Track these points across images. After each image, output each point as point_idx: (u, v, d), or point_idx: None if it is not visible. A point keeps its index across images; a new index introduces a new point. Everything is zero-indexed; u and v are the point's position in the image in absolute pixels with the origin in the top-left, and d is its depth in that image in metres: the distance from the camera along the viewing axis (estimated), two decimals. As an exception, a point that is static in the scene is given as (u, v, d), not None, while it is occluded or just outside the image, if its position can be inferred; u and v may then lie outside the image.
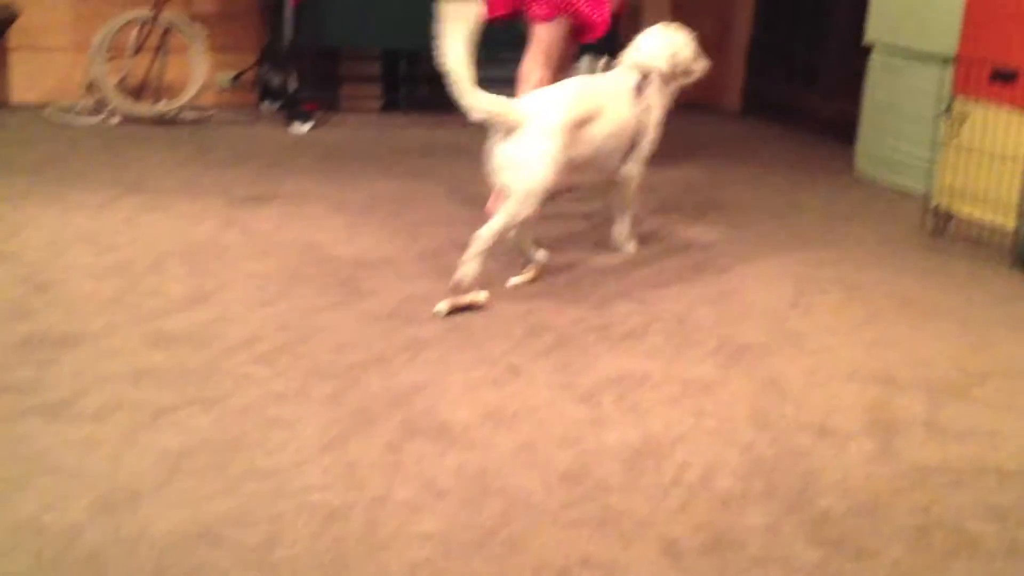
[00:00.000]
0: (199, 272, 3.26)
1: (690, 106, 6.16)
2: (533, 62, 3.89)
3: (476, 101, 3.12)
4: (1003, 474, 2.35)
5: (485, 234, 3.13)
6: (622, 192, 3.63)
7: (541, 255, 3.42)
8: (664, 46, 3.58)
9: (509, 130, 3.16)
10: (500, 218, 3.16)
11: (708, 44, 3.88)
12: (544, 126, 3.15)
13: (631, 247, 3.71)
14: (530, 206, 3.17)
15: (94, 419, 2.34)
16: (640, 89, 3.50)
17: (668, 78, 3.58)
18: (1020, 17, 4.03)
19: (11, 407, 2.37)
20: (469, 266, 3.13)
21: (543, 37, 3.87)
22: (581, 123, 3.26)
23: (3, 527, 1.93)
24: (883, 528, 2.12)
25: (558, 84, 3.41)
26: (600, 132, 3.34)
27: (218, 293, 3.11)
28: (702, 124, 5.85)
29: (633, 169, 3.57)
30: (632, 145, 3.52)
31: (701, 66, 3.66)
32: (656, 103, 3.57)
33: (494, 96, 3.15)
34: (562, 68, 3.96)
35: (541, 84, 3.74)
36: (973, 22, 4.22)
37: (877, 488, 2.26)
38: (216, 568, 1.85)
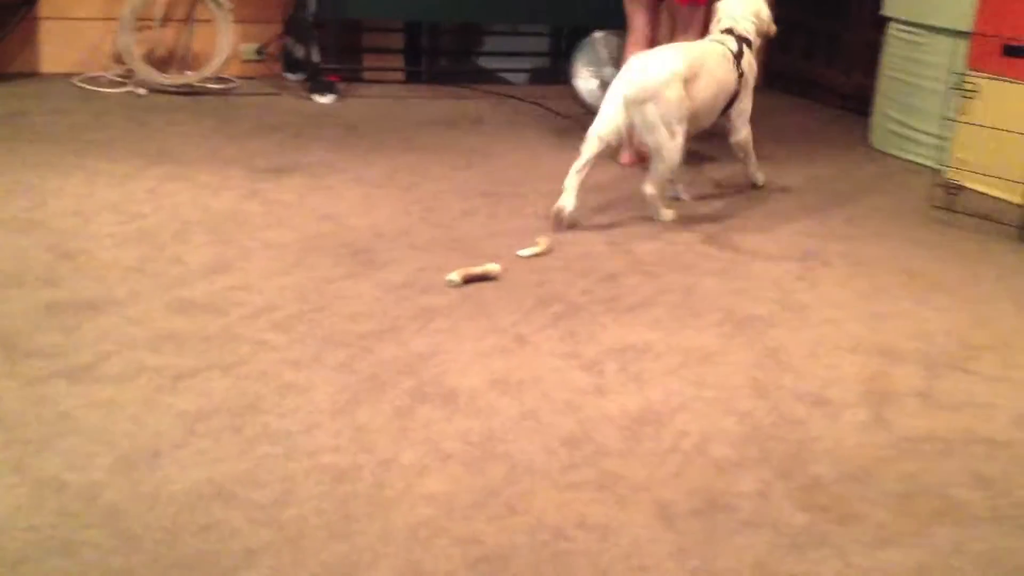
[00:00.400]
0: (220, 241, 3.37)
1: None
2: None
3: None
4: (993, 444, 2.41)
5: (651, 187, 3.75)
6: (742, 146, 4.13)
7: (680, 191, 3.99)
8: (748, 11, 3.99)
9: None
10: (661, 167, 3.73)
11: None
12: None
13: (760, 177, 4.24)
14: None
15: (116, 382, 2.44)
16: (737, 53, 3.90)
17: (754, 39, 3.99)
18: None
19: (37, 371, 2.48)
20: (663, 212, 3.78)
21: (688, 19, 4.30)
22: (689, 79, 3.68)
23: (28, 484, 2.04)
24: (870, 494, 2.19)
25: (667, 47, 3.82)
26: (702, 90, 3.74)
27: (238, 262, 3.21)
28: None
29: (743, 130, 4.05)
30: (730, 103, 3.94)
31: (774, 28, 4.11)
32: (749, 63, 3.97)
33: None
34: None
35: None
36: (988, -3, 4.24)
37: (867, 456, 2.33)
38: (229, 525, 1.96)
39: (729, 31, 3.95)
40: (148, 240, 3.34)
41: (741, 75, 3.93)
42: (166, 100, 5.09)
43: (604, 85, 4.91)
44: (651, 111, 3.61)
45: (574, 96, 4.95)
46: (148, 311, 2.83)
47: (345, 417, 2.36)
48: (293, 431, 2.29)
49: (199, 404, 2.37)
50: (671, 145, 3.66)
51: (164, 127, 4.64)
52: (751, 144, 4.16)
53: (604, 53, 4.91)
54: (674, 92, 3.61)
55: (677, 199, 3.92)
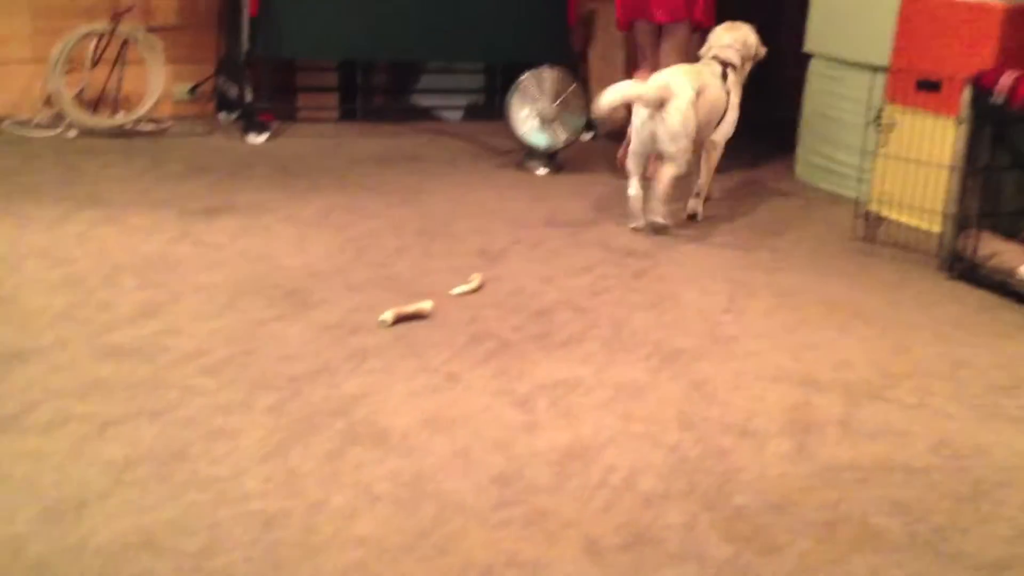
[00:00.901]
0: (150, 285, 3.35)
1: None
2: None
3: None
4: (909, 471, 2.49)
5: (660, 187, 4.14)
6: (710, 156, 4.42)
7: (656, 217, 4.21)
8: (735, 40, 4.41)
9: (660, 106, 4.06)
10: (672, 168, 4.11)
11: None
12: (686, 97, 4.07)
13: (700, 209, 4.45)
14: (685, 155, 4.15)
15: (42, 432, 2.43)
16: (722, 76, 4.33)
17: (741, 64, 4.41)
18: (944, 30, 4.18)
19: (-38, 422, 2.45)
20: (663, 217, 4.16)
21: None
22: (696, 96, 4.11)
23: (-48, 538, 2.02)
24: (792, 524, 2.25)
25: (675, 68, 4.22)
26: (703, 106, 4.15)
27: (168, 306, 3.20)
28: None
29: (720, 139, 4.37)
30: (719, 120, 4.34)
31: (763, 51, 4.49)
32: (735, 85, 4.37)
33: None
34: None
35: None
36: (904, 34, 4.38)
37: (790, 486, 2.39)
38: (156, 575, 1.95)
39: (715, 57, 4.38)
40: (76, 286, 3.32)
41: (727, 95, 4.36)
42: (97, 142, 5.06)
43: (542, 120, 4.98)
44: (673, 120, 4.03)
45: (510, 132, 5.00)
46: (76, 358, 2.82)
47: (275, 461, 2.37)
48: (222, 477, 2.29)
49: (126, 452, 2.36)
50: (684, 155, 4.11)
51: (95, 170, 4.61)
52: (717, 159, 4.45)
53: (541, 88, 4.97)
54: (690, 105, 4.05)
55: (660, 224, 4.21)
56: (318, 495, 2.25)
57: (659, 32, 4.90)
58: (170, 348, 2.91)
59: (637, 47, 5.06)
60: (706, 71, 4.30)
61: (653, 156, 4.25)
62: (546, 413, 2.69)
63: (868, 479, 2.44)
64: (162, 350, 2.89)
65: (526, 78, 4.97)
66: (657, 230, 4.18)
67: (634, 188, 4.19)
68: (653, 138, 4.09)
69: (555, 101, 4.99)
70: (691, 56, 4.63)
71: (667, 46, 4.86)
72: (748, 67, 4.49)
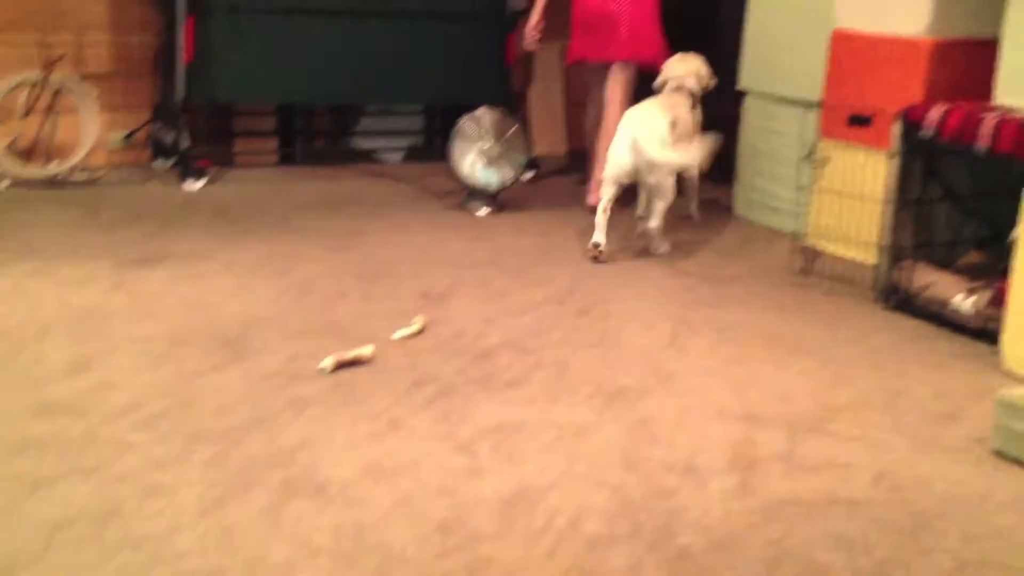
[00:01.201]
0: (84, 338, 3.29)
1: (579, 153, 6.35)
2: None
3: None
4: (852, 504, 2.49)
5: (657, 222, 4.40)
6: (692, 178, 4.74)
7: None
8: (690, 70, 4.64)
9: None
10: (663, 202, 4.36)
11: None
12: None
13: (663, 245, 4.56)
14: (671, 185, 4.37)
15: (-30, 495, 2.36)
16: (691, 104, 4.59)
17: (697, 92, 4.63)
18: (873, 66, 4.26)
19: None
20: (662, 245, 4.46)
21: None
22: (672, 126, 4.34)
23: None
24: (738, 562, 2.24)
25: (650, 102, 4.47)
26: (680, 136, 4.37)
27: (102, 359, 3.13)
28: (582, 171, 6.00)
29: (695, 164, 4.51)
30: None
31: (714, 81, 4.71)
32: (695, 112, 4.61)
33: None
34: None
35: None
36: (834, 70, 4.46)
37: (734, 523, 2.39)
38: (88, 639, 1.89)
39: (678, 87, 4.60)
40: (8, 340, 3.24)
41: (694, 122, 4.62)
42: (30, 193, 4.97)
43: (486, 160, 4.98)
44: (653, 151, 4.23)
45: (454, 173, 5.00)
46: (7, 415, 2.74)
47: (212, 517, 2.31)
48: (156, 535, 2.23)
49: (59, 512, 2.30)
50: (668, 183, 4.32)
51: (27, 221, 4.53)
52: (696, 180, 4.83)
53: (483, 129, 4.98)
54: (668, 136, 4.26)
55: (664, 251, 4.52)
56: (256, 551, 2.20)
57: (606, 70, 5.03)
58: (104, 403, 2.84)
59: (587, 83, 5.25)
60: (677, 102, 4.52)
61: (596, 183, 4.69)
62: (490, 457, 2.66)
63: (812, 514, 2.44)
64: (96, 405, 2.83)
65: (468, 119, 4.98)
66: (661, 254, 4.48)
67: (603, 209, 4.36)
68: (633, 171, 4.31)
69: (498, 141, 5.00)
70: (633, 93, 4.92)
71: (613, 84, 5.00)
72: (698, 97, 4.72)
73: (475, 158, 5.00)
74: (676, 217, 5.07)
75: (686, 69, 4.65)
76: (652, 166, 4.25)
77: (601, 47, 4.99)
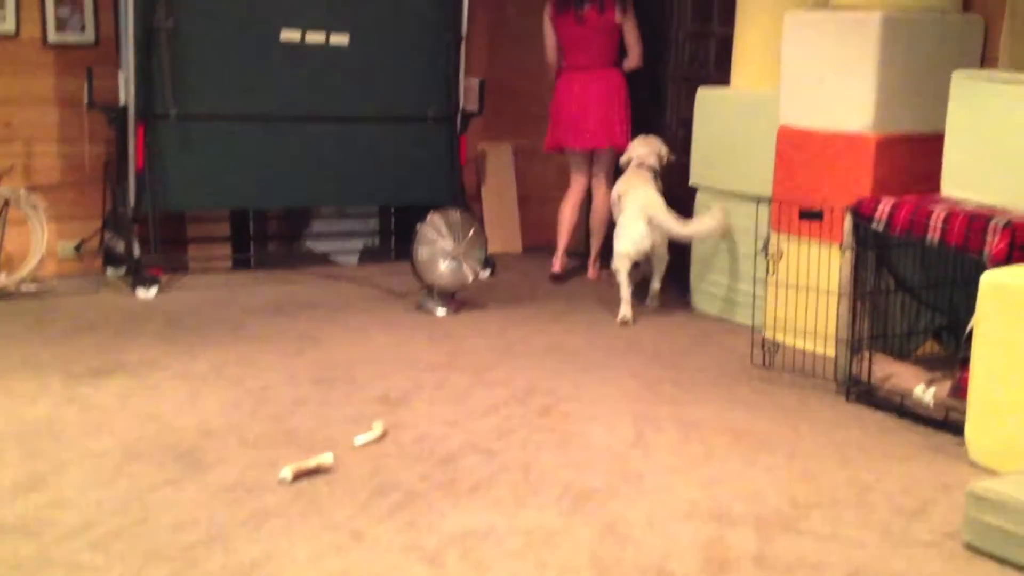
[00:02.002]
0: (34, 455, 3.18)
1: (533, 250, 6.38)
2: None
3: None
4: (828, 604, 2.45)
5: (658, 281, 5.19)
6: (662, 262, 5.17)
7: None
8: (652, 151, 5.26)
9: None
10: (663, 263, 5.12)
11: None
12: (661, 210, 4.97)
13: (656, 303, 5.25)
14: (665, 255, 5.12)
15: (-88, 627, 2.24)
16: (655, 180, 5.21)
17: (659, 170, 5.24)
18: (821, 161, 4.35)
19: None
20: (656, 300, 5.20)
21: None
22: None
23: None
24: (716, 671, 2.18)
25: (636, 182, 5.12)
26: None
27: (53, 476, 3.03)
28: (538, 268, 6.03)
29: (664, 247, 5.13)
30: None
31: (672, 156, 5.32)
32: (657, 184, 5.19)
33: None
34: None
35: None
36: (782, 166, 4.54)
37: (710, 629, 2.33)
38: None
39: (640, 164, 5.20)
40: (-47, 460, 3.13)
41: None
42: (-22, 304, 4.88)
43: (449, 260, 4.97)
44: (666, 226, 4.92)
45: (416, 274, 4.98)
46: (-49, 540, 2.63)
47: (170, 642, 2.22)
48: (112, 664, 2.13)
49: (7, 643, 2.19)
50: (665, 249, 5.06)
51: (-26, 334, 4.43)
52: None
53: (445, 229, 4.98)
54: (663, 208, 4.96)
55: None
56: (217, 676, 2.11)
57: (590, 155, 5.74)
58: (56, 522, 2.74)
59: (570, 166, 5.87)
60: (648, 178, 5.14)
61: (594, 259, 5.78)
62: (457, 567, 2.59)
63: (788, 616, 2.39)
64: (48, 524, 2.72)
65: (430, 220, 4.98)
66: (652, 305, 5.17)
67: (627, 284, 4.98)
68: (647, 248, 4.99)
69: (459, 241, 5.00)
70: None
71: (599, 168, 5.76)
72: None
73: (438, 259, 4.99)
74: (634, 313, 5.09)
75: (648, 149, 5.25)
76: (666, 238, 4.98)
77: (584, 136, 5.65)
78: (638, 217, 4.93)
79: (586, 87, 5.63)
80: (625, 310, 4.93)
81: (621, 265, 4.96)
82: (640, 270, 5.23)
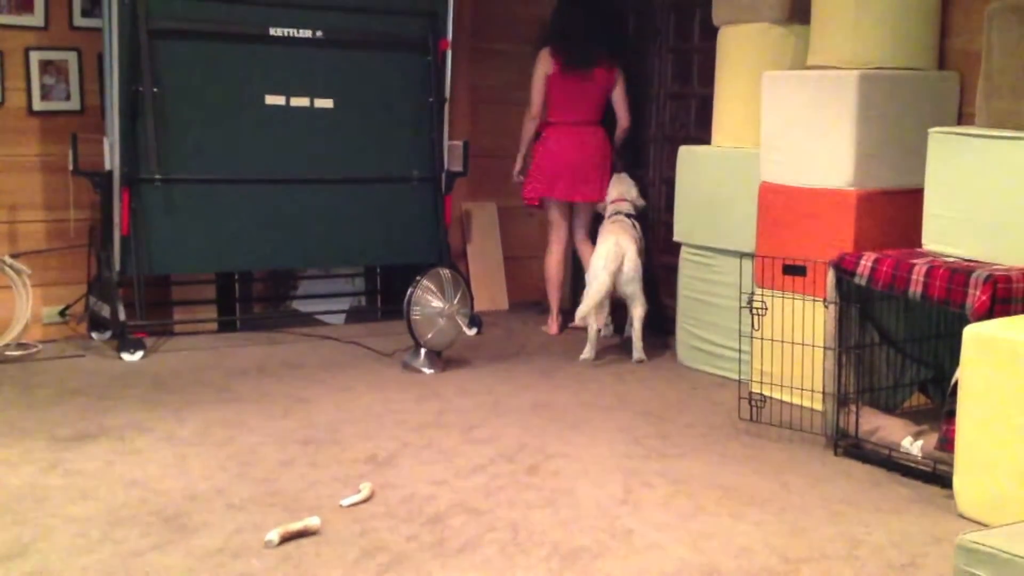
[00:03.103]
0: (17, 522, 3.15)
1: (519, 307, 6.39)
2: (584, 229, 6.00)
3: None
4: (821, 661, 2.43)
5: (637, 325, 5.26)
6: (635, 299, 5.28)
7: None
8: (619, 193, 5.65)
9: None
10: (640, 309, 5.24)
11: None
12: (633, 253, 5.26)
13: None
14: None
15: None
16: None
17: (634, 214, 5.58)
18: (802, 217, 4.40)
19: None
20: (641, 353, 5.26)
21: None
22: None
23: None
24: None
25: (614, 228, 5.37)
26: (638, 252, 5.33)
27: (36, 544, 3.00)
28: (524, 325, 6.05)
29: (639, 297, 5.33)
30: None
31: (642, 202, 5.70)
32: (636, 229, 5.50)
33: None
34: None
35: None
36: (764, 222, 4.59)
37: None
38: None
39: (617, 213, 5.51)
40: (-65, 528, 3.09)
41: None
42: (-39, 370, 4.85)
43: (441, 320, 4.97)
44: (628, 269, 5.15)
45: (411, 334, 4.98)
46: (-68, 610, 2.59)
47: None
48: None
49: None
50: (641, 291, 5.20)
51: (-42, 400, 4.40)
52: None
53: (437, 288, 5.00)
54: (637, 254, 5.21)
55: (641, 359, 5.26)
56: None
57: (570, 208, 5.93)
58: (38, 590, 2.71)
59: (549, 220, 6.03)
60: (627, 226, 5.39)
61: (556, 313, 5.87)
62: (446, 629, 2.56)
63: (781, 673, 2.37)
64: (29, 593, 2.69)
65: (423, 281, 4.99)
66: (638, 361, 5.22)
67: (593, 328, 5.25)
68: (612, 289, 5.17)
69: (450, 301, 5.01)
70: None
71: (580, 221, 5.96)
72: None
73: (433, 318, 4.99)
74: (621, 368, 5.10)
75: (618, 192, 5.67)
76: (628, 279, 5.17)
77: (582, 189, 5.82)
78: (607, 244, 5.21)
79: (582, 142, 5.80)
80: (588, 350, 5.24)
81: (588, 301, 5.13)
82: (617, 325, 5.39)
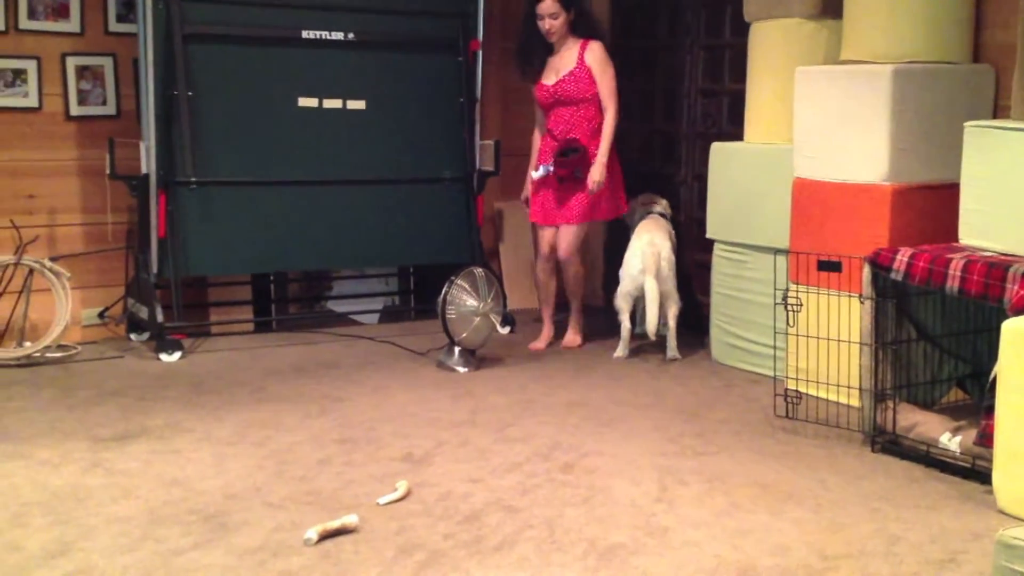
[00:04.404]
0: (61, 521, 3.20)
1: (560, 302, 6.40)
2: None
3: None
4: (860, 657, 2.42)
5: (672, 323, 5.22)
6: (670, 298, 5.25)
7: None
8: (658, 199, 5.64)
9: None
10: (675, 306, 5.22)
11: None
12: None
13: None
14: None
15: None
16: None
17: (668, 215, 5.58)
18: (837, 212, 4.38)
19: None
20: (676, 352, 5.25)
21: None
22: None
23: None
24: None
25: (651, 226, 5.30)
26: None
27: (80, 542, 3.04)
28: (556, 323, 6.05)
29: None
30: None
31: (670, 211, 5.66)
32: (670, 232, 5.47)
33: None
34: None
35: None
36: (799, 218, 4.56)
37: None
38: None
39: (650, 213, 5.47)
40: (-19, 527, 3.14)
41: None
42: (3, 374, 4.92)
43: (475, 319, 4.99)
44: (663, 267, 5.12)
45: (446, 333, 5.00)
46: (-21, 608, 2.64)
47: None
48: None
49: None
50: (675, 289, 5.19)
51: (0, 403, 4.46)
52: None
53: (472, 287, 5.02)
54: (671, 252, 5.21)
55: (675, 357, 5.26)
56: None
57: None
58: (82, 588, 2.75)
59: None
60: (663, 224, 5.37)
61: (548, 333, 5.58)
62: (484, 626, 2.58)
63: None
64: (73, 591, 2.73)
65: (457, 280, 5.01)
66: (672, 359, 5.22)
67: (627, 322, 5.25)
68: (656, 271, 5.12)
69: (484, 300, 5.03)
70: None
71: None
72: None
73: (468, 317, 5.01)
74: (655, 366, 5.09)
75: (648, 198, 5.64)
76: (663, 277, 5.12)
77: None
78: (641, 242, 5.17)
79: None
80: (621, 348, 5.25)
81: (623, 300, 5.19)
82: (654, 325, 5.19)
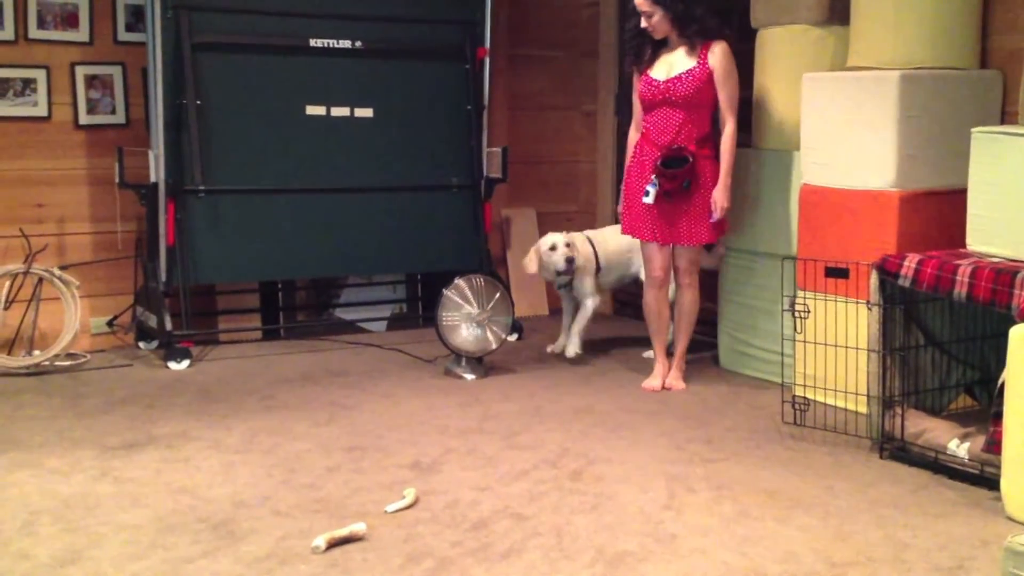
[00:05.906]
0: (69, 530, 3.21)
1: (559, 312, 6.41)
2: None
3: None
4: (869, 665, 2.42)
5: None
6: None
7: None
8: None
9: None
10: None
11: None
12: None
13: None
14: None
15: None
16: None
17: None
18: (844, 219, 4.37)
19: None
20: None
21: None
22: None
23: None
24: None
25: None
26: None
27: (89, 551, 3.05)
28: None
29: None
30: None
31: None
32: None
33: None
34: None
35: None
36: (806, 224, 4.56)
37: None
38: None
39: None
40: (-9, 536, 3.16)
41: None
42: (12, 382, 4.94)
43: (474, 326, 5.00)
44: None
45: (441, 340, 5.01)
46: (-11, 616, 2.65)
47: None
48: None
49: None
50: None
51: (8, 412, 4.48)
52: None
53: (469, 295, 5.03)
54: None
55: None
56: None
57: (668, 248, 4.86)
58: (91, 596, 2.75)
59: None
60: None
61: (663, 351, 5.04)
62: (492, 634, 2.58)
63: (828, 678, 2.36)
64: (83, 599, 2.74)
65: (453, 287, 5.02)
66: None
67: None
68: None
69: (484, 307, 5.04)
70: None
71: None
72: None
73: (461, 324, 5.02)
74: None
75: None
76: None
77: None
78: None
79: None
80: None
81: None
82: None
